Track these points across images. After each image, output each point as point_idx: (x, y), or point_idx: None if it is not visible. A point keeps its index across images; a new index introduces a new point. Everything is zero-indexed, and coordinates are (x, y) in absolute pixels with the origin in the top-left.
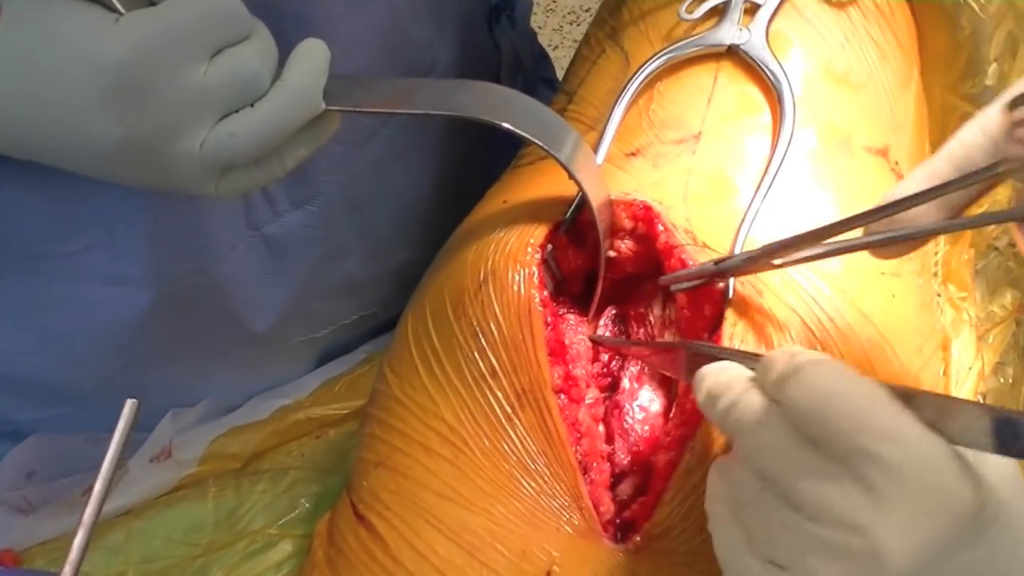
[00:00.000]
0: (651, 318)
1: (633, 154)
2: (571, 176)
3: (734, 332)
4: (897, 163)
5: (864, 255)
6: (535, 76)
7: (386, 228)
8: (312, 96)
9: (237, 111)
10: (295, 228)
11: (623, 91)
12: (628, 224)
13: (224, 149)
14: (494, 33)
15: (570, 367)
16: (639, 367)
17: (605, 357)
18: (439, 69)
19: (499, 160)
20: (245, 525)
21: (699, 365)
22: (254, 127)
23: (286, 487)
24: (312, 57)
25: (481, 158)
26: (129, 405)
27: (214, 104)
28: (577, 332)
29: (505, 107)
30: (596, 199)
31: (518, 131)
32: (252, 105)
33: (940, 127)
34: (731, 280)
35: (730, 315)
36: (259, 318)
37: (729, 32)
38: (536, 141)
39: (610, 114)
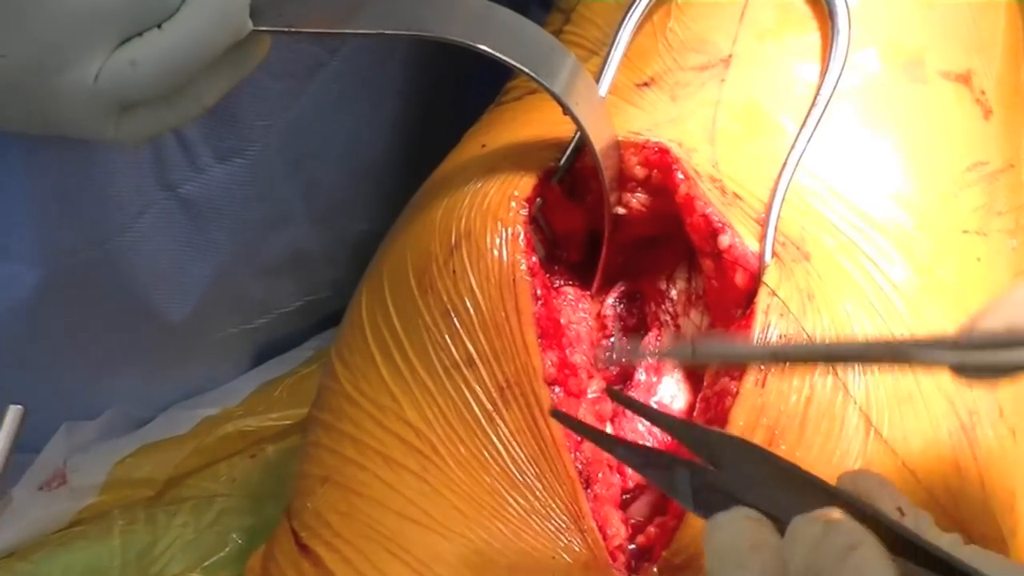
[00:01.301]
0: (673, 294)
1: (646, 84)
2: (566, 111)
3: (770, 307)
4: (984, 93)
5: (939, 198)
6: None
7: (337, 187)
8: (234, 13)
9: (140, 34)
10: (221, 187)
11: (633, 5)
12: (640, 172)
13: (124, 81)
14: None
15: (567, 352)
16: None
17: (614, 339)
18: None
19: (478, 99)
20: (161, 569)
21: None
22: (161, 53)
23: (212, 520)
24: None
25: (454, 96)
26: (12, 412)
27: (111, 24)
28: (577, 309)
29: (481, 24)
30: (599, 140)
31: (498, 55)
32: (159, 26)
33: None
34: (769, 238)
35: (768, 283)
36: (175, 304)
37: None
38: (521, 67)
39: (617, 34)
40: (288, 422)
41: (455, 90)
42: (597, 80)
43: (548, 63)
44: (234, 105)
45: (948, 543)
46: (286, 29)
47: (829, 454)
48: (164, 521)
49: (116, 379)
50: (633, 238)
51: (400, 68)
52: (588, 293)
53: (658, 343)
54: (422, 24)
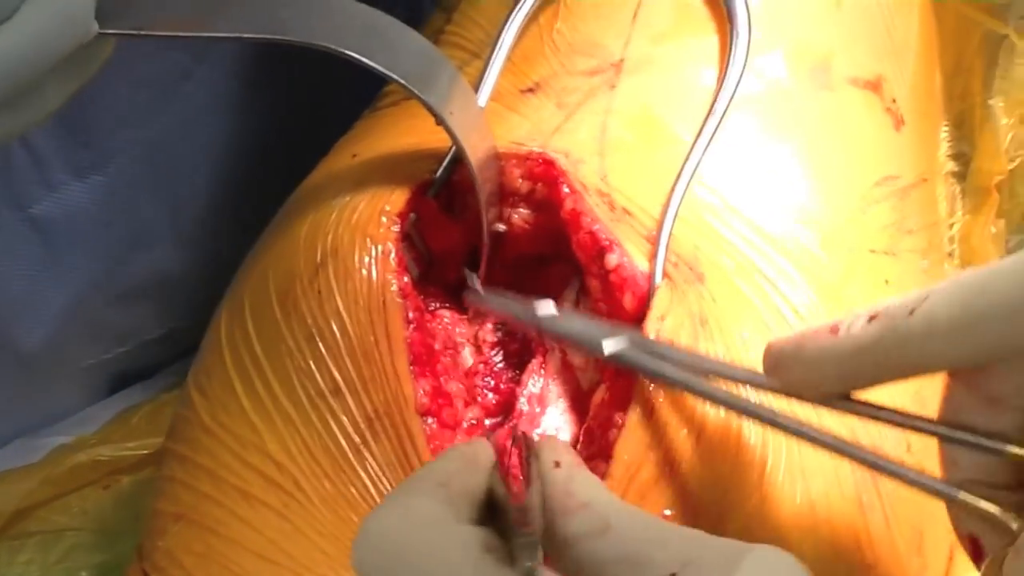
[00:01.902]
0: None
1: (531, 90)
2: (438, 120)
3: (660, 330)
4: (895, 101)
5: (846, 215)
6: None
7: (205, 206)
8: (78, 15)
9: None
10: (78, 206)
11: (517, 5)
12: (523, 185)
13: None
14: None
15: (441, 380)
16: (542, 380)
17: (495, 365)
18: None
19: (360, 106)
20: None
21: None
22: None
23: (60, 556)
24: None
25: (335, 104)
26: None
27: None
28: (453, 333)
29: (345, 26)
30: (475, 152)
31: (364, 60)
32: None
33: (955, 51)
34: (660, 258)
35: (657, 306)
36: (26, 331)
37: None
38: (388, 73)
39: (499, 36)
40: (145, 451)
41: (334, 97)
42: (477, 85)
43: (419, 68)
44: (91, 117)
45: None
46: (135, 32)
47: (721, 492)
48: (6, 558)
49: None
50: (517, 256)
51: (276, 73)
52: (465, 316)
53: (542, 371)
54: (283, 27)
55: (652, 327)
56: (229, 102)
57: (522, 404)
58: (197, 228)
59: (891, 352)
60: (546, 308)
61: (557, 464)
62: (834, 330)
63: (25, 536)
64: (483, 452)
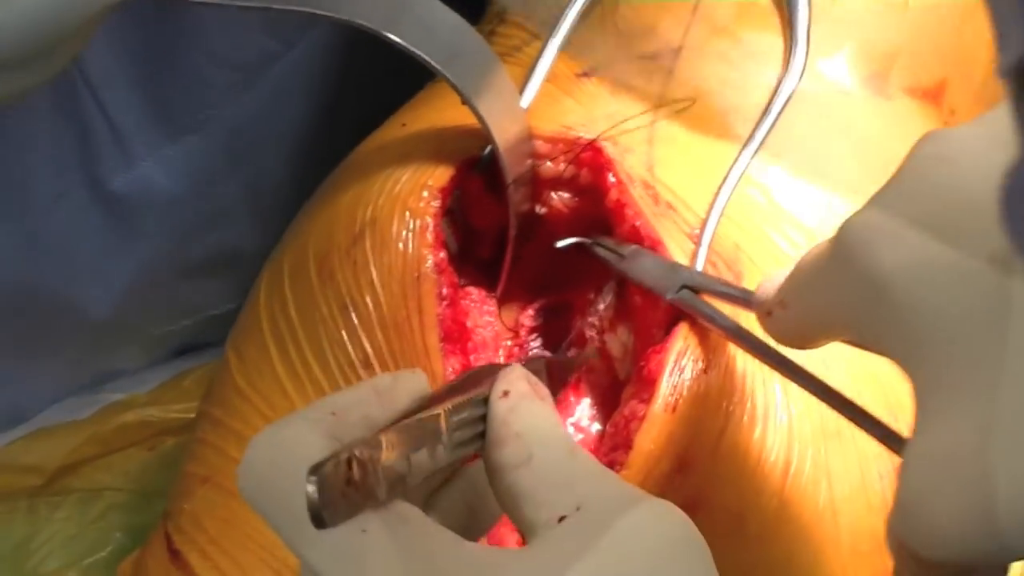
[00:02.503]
0: (601, 307)
1: (586, 74)
2: (464, 99)
3: (689, 335)
4: (953, 113)
5: None
6: None
7: (282, 185)
8: None
9: None
10: (154, 182)
11: None
12: (568, 171)
13: None
14: None
15: (471, 358)
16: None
17: (532, 347)
18: None
19: None
20: (35, 565)
21: None
22: (21, 13)
23: (97, 515)
24: None
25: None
26: None
27: None
28: (483, 311)
29: (386, 6)
30: (505, 133)
31: (388, 35)
32: None
33: None
34: (700, 258)
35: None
36: (96, 299)
37: None
38: (412, 49)
39: (560, 19)
40: (192, 415)
41: (416, 84)
42: (533, 66)
43: (448, 46)
44: (174, 95)
45: None
46: None
47: (742, 491)
48: (45, 513)
49: (23, 374)
50: (554, 239)
51: (360, 61)
52: (493, 295)
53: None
54: (330, 3)
55: (682, 332)
56: (313, 87)
57: None
58: (271, 208)
59: None
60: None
61: (505, 394)
62: None
63: (65, 493)
64: (407, 386)
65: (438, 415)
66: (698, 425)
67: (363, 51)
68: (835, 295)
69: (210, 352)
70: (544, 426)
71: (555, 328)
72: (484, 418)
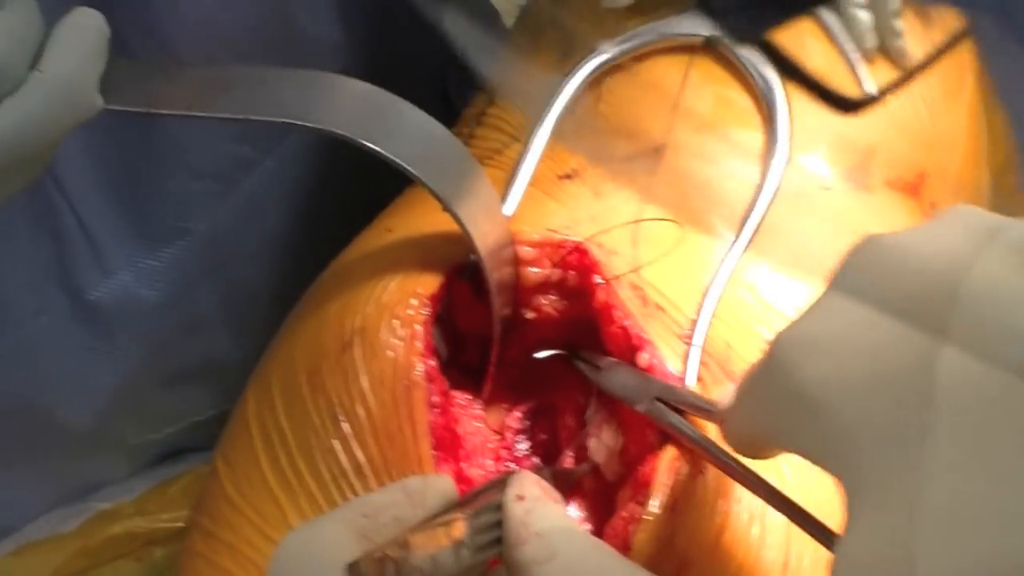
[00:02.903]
0: (589, 406)
1: (568, 176)
2: (444, 205)
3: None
4: (934, 205)
5: None
6: None
7: (260, 293)
8: (82, 91)
9: None
10: (132, 292)
11: (559, 89)
12: (555, 274)
13: None
14: (433, 15)
15: (463, 466)
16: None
17: (519, 449)
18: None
19: None
20: None
21: None
22: (1, 132)
23: None
24: (82, 34)
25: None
26: None
27: None
28: (472, 416)
29: (346, 108)
30: (486, 238)
31: (363, 142)
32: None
33: (1005, 147)
34: (693, 362)
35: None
36: (75, 410)
37: (706, 20)
38: (388, 155)
39: (540, 120)
40: (180, 524)
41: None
42: (515, 170)
43: (424, 152)
44: (149, 206)
45: None
46: (144, 109)
47: None
48: None
49: (3, 484)
50: (541, 341)
51: (337, 165)
52: (479, 398)
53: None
54: (284, 110)
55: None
56: (290, 193)
57: None
58: (250, 315)
59: None
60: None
61: (520, 498)
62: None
63: None
64: (435, 489)
65: (460, 519)
66: (696, 525)
67: (340, 155)
68: (765, 406)
69: (193, 458)
70: (564, 525)
71: (541, 429)
72: (500, 523)
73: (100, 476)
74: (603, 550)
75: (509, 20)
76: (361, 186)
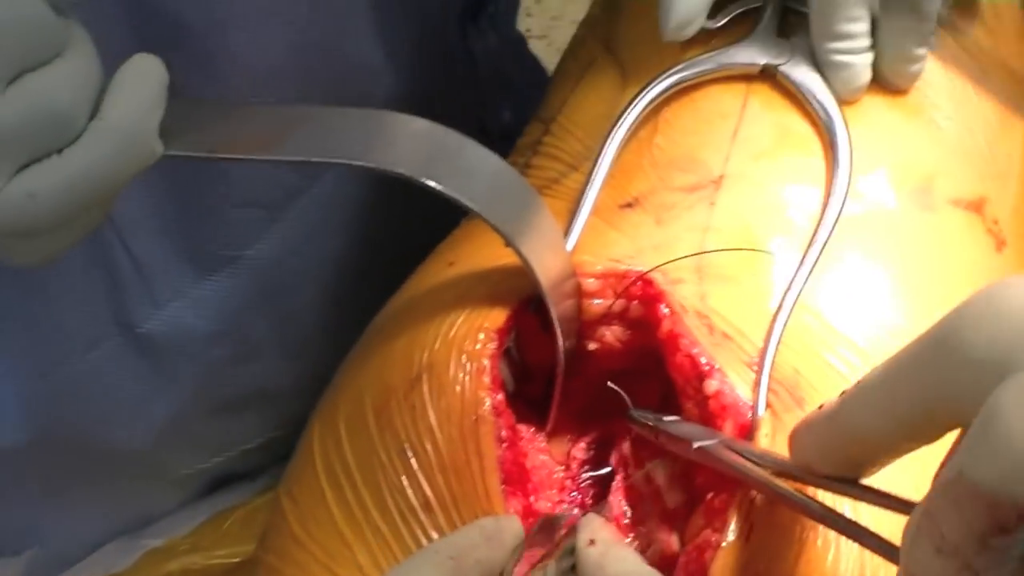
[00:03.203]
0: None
1: (629, 205)
2: (507, 241)
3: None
4: (996, 222)
5: None
6: (526, 96)
7: (312, 320)
8: (143, 139)
9: (40, 160)
10: (184, 322)
11: (619, 119)
12: (618, 305)
13: (22, 214)
14: (468, 40)
15: (531, 499)
16: (623, 498)
17: (583, 483)
18: (386, 98)
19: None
20: None
21: None
22: (62, 183)
23: None
24: (142, 81)
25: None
26: None
27: (7, 152)
28: (537, 449)
29: (409, 147)
30: (548, 272)
31: (427, 183)
32: (60, 152)
33: None
34: (763, 388)
35: (760, 438)
36: (127, 440)
37: (765, 48)
38: (452, 194)
39: (601, 149)
40: (237, 559)
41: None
42: (578, 199)
43: (485, 187)
44: (198, 236)
45: None
46: (206, 155)
47: None
48: None
49: (51, 514)
50: (606, 375)
51: (388, 192)
52: (544, 431)
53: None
54: (361, 152)
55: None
56: (339, 219)
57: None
58: (301, 343)
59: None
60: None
61: (592, 542)
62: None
63: None
64: (509, 529)
65: (542, 567)
66: (772, 552)
67: (390, 183)
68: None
69: (242, 488)
70: (638, 569)
71: (604, 460)
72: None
73: (151, 508)
74: None
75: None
76: (412, 211)
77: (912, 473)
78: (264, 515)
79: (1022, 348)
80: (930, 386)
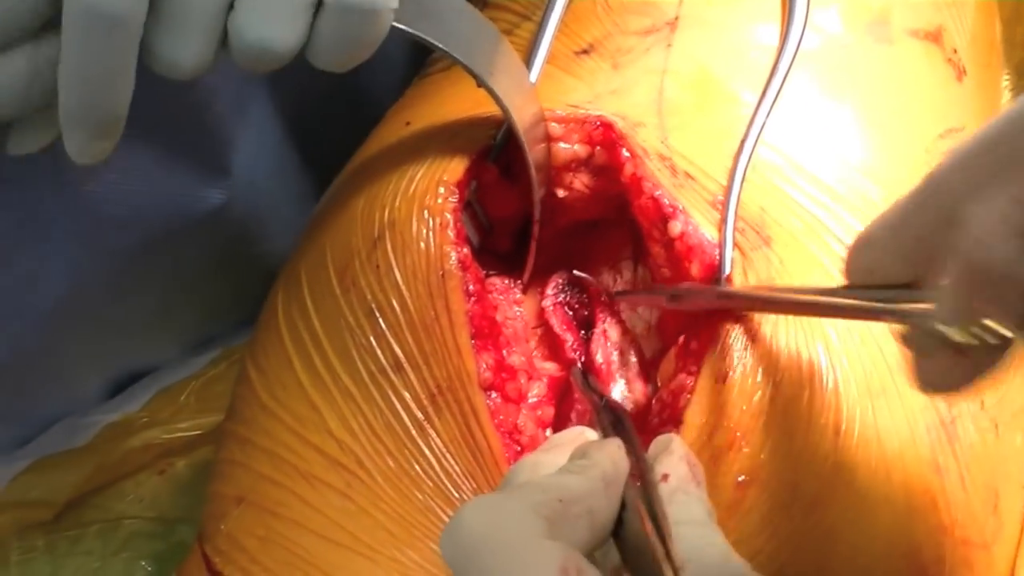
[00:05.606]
0: (619, 283)
1: (585, 51)
2: (482, 84)
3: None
4: (956, 52)
5: (910, 168)
6: None
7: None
8: None
9: None
10: None
11: None
12: (581, 150)
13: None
14: None
15: (504, 353)
16: (607, 345)
17: (563, 333)
18: None
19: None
20: None
21: None
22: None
23: (119, 545)
24: None
25: (385, 77)
26: None
27: None
28: (510, 302)
29: None
30: (522, 115)
31: (404, 28)
32: None
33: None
34: (729, 226)
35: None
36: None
37: None
38: (429, 39)
39: None
40: (198, 432)
41: (381, 72)
42: (530, 48)
43: (461, 33)
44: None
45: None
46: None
47: (796, 456)
48: (66, 548)
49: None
50: (573, 222)
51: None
52: (518, 283)
53: (605, 341)
54: None
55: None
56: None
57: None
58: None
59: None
60: None
61: (665, 478)
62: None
63: (82, 525)
64: (624, 472)
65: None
66: (746, 396)
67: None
68: None
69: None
70: (698, 515)
71: (578, 306)
72: None
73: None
74: (727, 563)
75: None
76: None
77: None
78: (220, 386)
79: None
80: None
